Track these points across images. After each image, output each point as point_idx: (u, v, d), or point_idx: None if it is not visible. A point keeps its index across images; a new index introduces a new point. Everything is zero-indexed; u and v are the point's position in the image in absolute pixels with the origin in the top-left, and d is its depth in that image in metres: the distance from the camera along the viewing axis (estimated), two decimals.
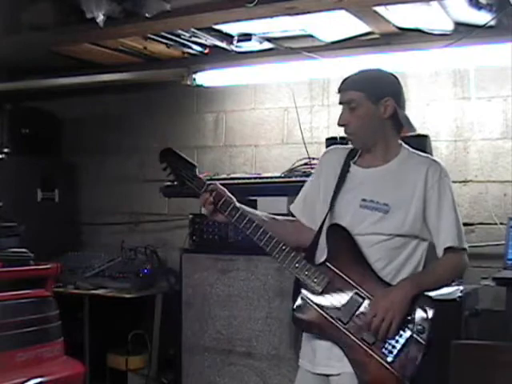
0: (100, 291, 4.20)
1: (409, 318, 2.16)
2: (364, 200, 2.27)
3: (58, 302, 3.58)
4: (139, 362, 4.37)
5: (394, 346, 2.15)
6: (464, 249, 2.29)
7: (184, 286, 3.83)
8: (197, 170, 2.40)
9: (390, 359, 2.14)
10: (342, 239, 2.27)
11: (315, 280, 2.25)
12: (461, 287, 3.34)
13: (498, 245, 3.66)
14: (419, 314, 2.17)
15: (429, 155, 2.41)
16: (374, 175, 2.31)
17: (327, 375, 2.26)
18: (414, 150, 2.37)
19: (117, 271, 4.32)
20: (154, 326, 4.31)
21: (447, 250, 2.25)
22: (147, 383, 4.29)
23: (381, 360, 2.15)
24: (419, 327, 2.16)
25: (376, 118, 2.28)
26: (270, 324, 3.56)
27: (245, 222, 2.31)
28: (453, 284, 3.45)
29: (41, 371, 3.29)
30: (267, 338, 3.57)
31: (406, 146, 2.37)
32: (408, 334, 2.15)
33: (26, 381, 3.18)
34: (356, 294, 2.21)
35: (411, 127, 2.36)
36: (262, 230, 2.29)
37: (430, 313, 2.18)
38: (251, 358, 3.61)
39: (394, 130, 2.34)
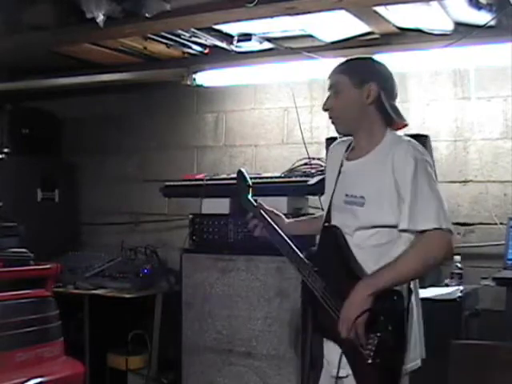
0: (100, 291, 4.20)
1: (374, 318, 2.11)
2: (346, 195, 2.27)
3: (58, 302, 3.58)
4: (139, 361, 4.36)
5: (369, 349, 2.11)
6: (434, 228, 2.08)
7: (184, 286, 3.83)
8: (250, 192, 2.64)
9: (369, 361, 2.11)
10: (331, 242, 2.30)
11: (315, 285, 2.29)
12: (461, 287, 3.35)
13: (498, 245, 3.66)
14: (383, 312, 2.10)
15: (405, 138, 2.28)
16: (355, 168, 2.30)
17: (340, 377, 2.25)
18: (397, 136, 2.28)
19: (117, 271, 4.32)
20: (154, 326, 4.31)
21: (413, 235, 2.13)
22: (147, 383, 4.29)
23: (364, 361, 2.12)
24: (385, 326, 2.10)
25: (359, 102, 2.26)
26: (270, 324, 3.56)
27: (273, 236, 2.53)
28: (453, 284, 3.47)
29: (41, 371, 3.30)
30: (267, 338, 3.56)
31: (393, 133, 2.29)
32: (378, 334, 2.10)
33: (26, 381, 3.18)
34: (343, 299, 2.17)
35: (401, 118, 2.31)
36: (281, 236, 2.48)
37: (394, 309, 2.11)
38: (251, 358, 3.61)
39: (380, 119, 2.28)
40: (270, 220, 2.56)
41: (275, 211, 2.63)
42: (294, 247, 2.43)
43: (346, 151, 2.38)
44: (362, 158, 2.29)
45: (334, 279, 2.26)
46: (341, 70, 2.32)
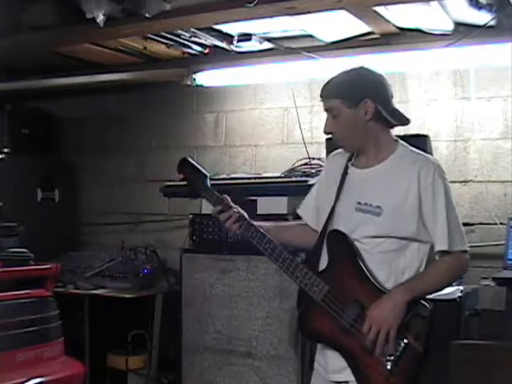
0: (100, 291, 4.20)
1: (405, 325, 2.13)
2: (359, 203, 2.24)
3: (58, 302, 3.58)
4: (139, 361, 4.36)
5: (392, 354, 2.12)
6: (462, 251, 2.23)
7: (184, 286, 3.83)
8: (208, 181, 2.40)
9: (388, 367, 2.12)
10: (341, 246, 2.25)
11: (315, 289, 2.23)
12: (461, 287, 3.34)
13: (498, 245, 3.66)
14: (415, 320, 2.14)
15: (424, 153, 2.32)
16: (368, 176, 2.28)
17: (338, 382, 2.25)
18: (410, 148, 2.31)
19: (117, 271, 4.32)
20: (154, 326, 4.31)
21: (442, 253, 2.21)
22: (147, 383, 4.29)
23: (380, 368, 2.12)
24: (416, 334, 2.12)
25: (359, 121, 2.23)
26: (270, 324, 3.56)
27: (251, 231, 2.34)
28: (453, 284, 3.46)
29: (41, 371, 3.30)
30: (267, 337, 3.56)
31: (403, 143, 2.32)
32: (405, 341, 2.12)
33: (26, 381, 3.18)
34: (355, 302, 2.18)
35: (402, 120, 2.30)
36: (267, 239, 2.32)
37: (426, 319, 2.15)
38: (251, 358, 3.61)
39: (383, 128, 2.28)
40: (243, 214, 2.37)
41: (240, 209, 2.39)
42: (280, 247, 2.30)
43: (350, 160, 2.34)
44: (375, 167, 2.27)
45: (343, 283, 2.21)
46: (332, 93, 2.26)
